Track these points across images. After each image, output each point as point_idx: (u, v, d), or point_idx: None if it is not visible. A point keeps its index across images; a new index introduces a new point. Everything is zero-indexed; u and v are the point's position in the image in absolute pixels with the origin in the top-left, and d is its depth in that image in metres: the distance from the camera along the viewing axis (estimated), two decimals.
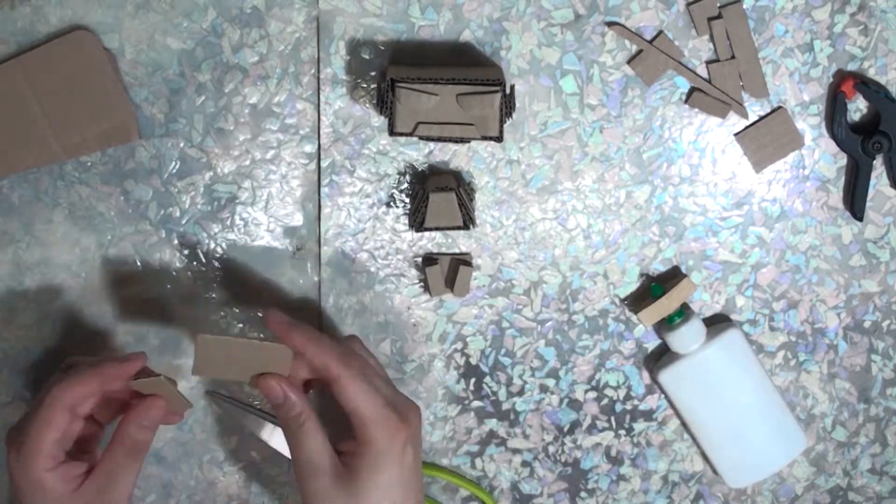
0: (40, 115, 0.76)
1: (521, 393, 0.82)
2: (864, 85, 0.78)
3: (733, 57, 0.78)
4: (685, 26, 0.78)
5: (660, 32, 0.78)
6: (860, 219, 0.80)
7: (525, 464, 0.83)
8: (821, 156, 0.80)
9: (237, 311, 0.80)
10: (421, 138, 0.74)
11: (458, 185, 0.77)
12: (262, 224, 0.80)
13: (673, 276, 0.81)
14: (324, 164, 0.79)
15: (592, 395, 0.83)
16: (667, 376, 0.80)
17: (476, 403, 0.82)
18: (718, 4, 0.78)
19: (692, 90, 0.79)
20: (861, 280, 0.82)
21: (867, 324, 0.82)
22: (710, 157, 0.80)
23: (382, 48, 0.78)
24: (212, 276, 0.80)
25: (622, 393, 0.83)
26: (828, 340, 0.82)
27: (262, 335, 0.80)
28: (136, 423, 0.71)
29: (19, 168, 0.77)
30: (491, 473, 0.83)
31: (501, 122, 0.72)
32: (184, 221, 0.79)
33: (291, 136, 0.79)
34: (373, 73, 0.78)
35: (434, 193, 0.75)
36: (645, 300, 0.80)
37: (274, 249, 0.80)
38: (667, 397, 0.82)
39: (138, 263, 0.79)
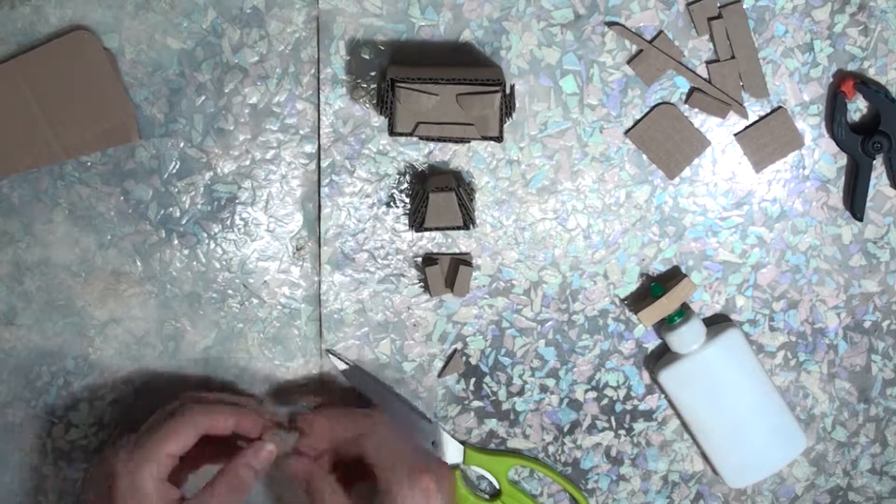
0: (40, 115, 0.76)
1: (521, 393, 0.82)
2: (864, 85, 0.78)
3: (733, 57, 0.78)
4: (685, 26, 0.78)
5: (660, 32, 0.78)
6: (860, 219, 0.80)
7: None
8: (821, 156, 0.80)
9: (237, 311, 0.80)
10: (421, 138, 0.74)
11: (458, 185, 0.77)
12: (262, 224, 0.80)
13: (673, 276, 0.81)
14: (324, 164, 0.79)
15: (592, 395, 0.83)
16: (667, 376, 0.80)
17: (476, 403, 0.82)
18: (718, 4, 0.78)
19: (692, 90, 0.79)
20: (861, 280, 0.82)
21: (867, 324, 0.82)
22: (710, 157, 0.80)
23: (382, 48, 0.78)
24: (212, 276, 0.80)
25: (622, 393, 0.83)
26: (828, 340, 0.82)
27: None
28: (246, 463, 0.73)
29: (19, 168, 0.77)
30: None
31: (501, 122, 0.72)
32: (184, 221, 0.79)
33: (291, 136, 0.79)
34: (373, 73, 0.78)
35: (434, 193, 0.75)
36: (645, 300, 0.80)
37: (274, 249, 0.80)
38: (667, 397, 0.82)
39: (138, 263, 0.79)
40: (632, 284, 0.81)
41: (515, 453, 0.83)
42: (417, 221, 0.76)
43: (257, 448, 0.74)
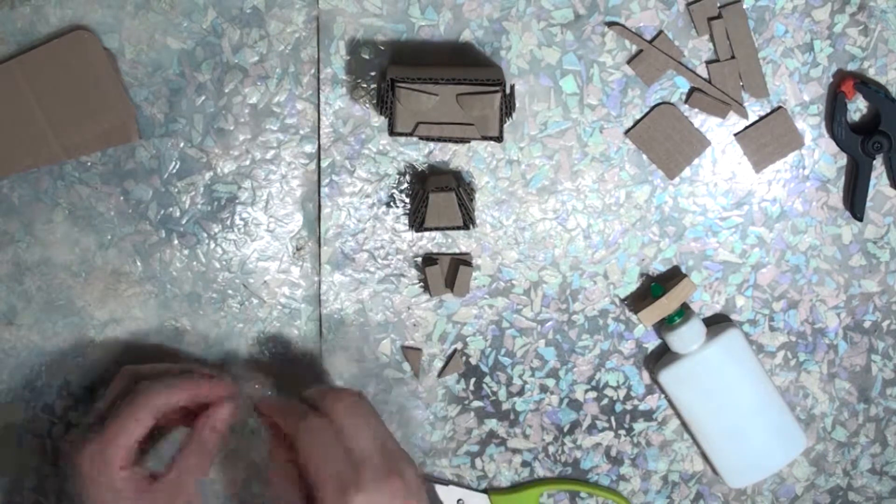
0: (40, 115, 0.76)
1: (521, 393, 0.82)
2: (864, 85, 0.78)
3: (733, 57, 0.78)
4: (685, 26, 0.78)
5: (660, 32, 0.78)
6: (860, 219, 0.80)
7: (525, 464, 0.83)
8: (821, 156, 0.80)
9: (237, 311, 0.80)
10: (421, 138, 0.74)
11: (458, 185, 0.77)
12: (262, 224, 0.80)
13: (673, 276, 0.81)
14: (324, 164, 0.79)
15: (592, 395, 0.83)
16: (667, 376, 0.80)
17: (476, 403, 0.82)
18: (718, 4, 0.78)
19: (692, 90, 0.79)
20: (861, 280, 0.82)
21: (867, 324, 0.82)
22: (710, 157, 0.80)
23: (382, 48, 0.78)
24: (212, 276, 0.80)
25: (622, 393, 0.83)
26: (828, 340, 0.82)
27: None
28: (210, 425, 0.72)
29: (19, 168, 0.77)
30: (491, 473, 0.83)
31: (501, 122, 0.72)
32: (184, 221, 0.79)
33: (291, 136, 0.79)
34: (373, 73, 0.78)
35: (434, 193, 0.75)
36: (645, 300, 0.80)
37: (274, 249, 0.80)
38: (667, 397, 0.82)
39: (138, 263, 0.79)
40: (632, 284, 0.81)
41: (539, 481, 0.83)
42: (417, 221, 0.76)
43: (217, 408, 0.72)
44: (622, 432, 0.83)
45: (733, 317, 0.82)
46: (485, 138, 0.72)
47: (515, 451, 0.83)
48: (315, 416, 0.69)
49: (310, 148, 0.79)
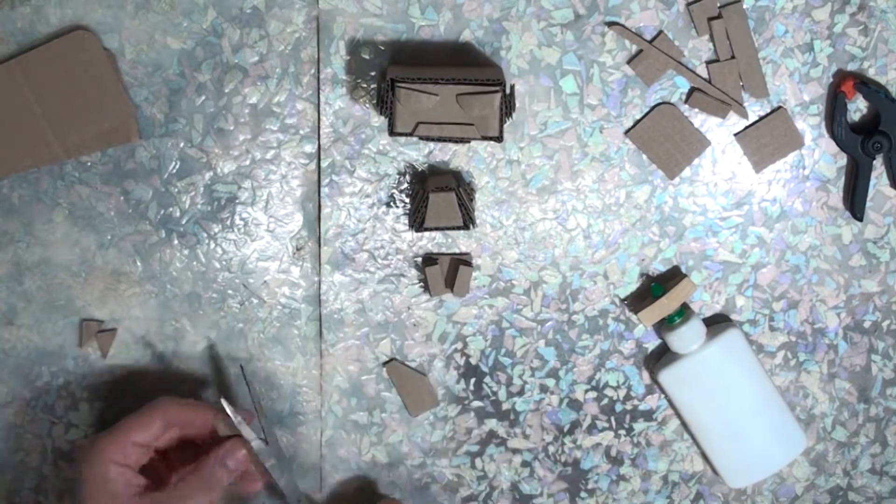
0: (40, 115, 0.76)
1: (521, 393, 0.82)
2: (864, 85, 0.78)
3: (733, 57, 0.78)
4: (685, 26, 0.78)
5: (660, 32, 0.78)
6: (860, 219, 0.80)
7: (525, 464, 0.83)
8: (821, 156, 0.80)
9: (237, 311, 0.80)
10: (421, 138, 0.74)
11: (458, 185, 0.77)
12: (262, 224, 0.80)
13: (673, 276, 0.81)
14: (324, 164, 0.79)
15: (592, 395, 0.83)
16: (667, 376, 0.80)
17: (476, 403, 0.82)
18: (718, 4, 0.78)
19: (692, 90, 0.79)
20: (861, 280, 0.82)
21: (867, 324, 0.82)
22: (710, 157, 0.80)
23: (382, 48, 0.78)
24: (212, 276, 0.80)
25: (622, 393, 0.83)
26: (828, 340, 0.82)
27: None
28: (220, 461, 0.73)
29: (19, 168, 0.77)
30: (491, 473, 0.83)
31: (501, 122, 0.72)
32: (184, 221, 0.79)
33: (291, 136, 0.79)
34: (373, 73, 0.78)
35: (434, 193, 0.75)
36: (645, 300, 0.80)
37: (274, 249, 0.80)
38: (667, 397, 0.82)
39: (138, 263, 0.79)
40: (632, 284, 0.81)
41: None
42: (417, 221, 0.76)
43: (233, 446, 0.74)
44: (622, 432, 0.83)
45: (733, 317, 0.82)
46: (485, 138, 0.72)
47: (515, 451, 0.83)
48: None
49: (310, 148, 0.79)
